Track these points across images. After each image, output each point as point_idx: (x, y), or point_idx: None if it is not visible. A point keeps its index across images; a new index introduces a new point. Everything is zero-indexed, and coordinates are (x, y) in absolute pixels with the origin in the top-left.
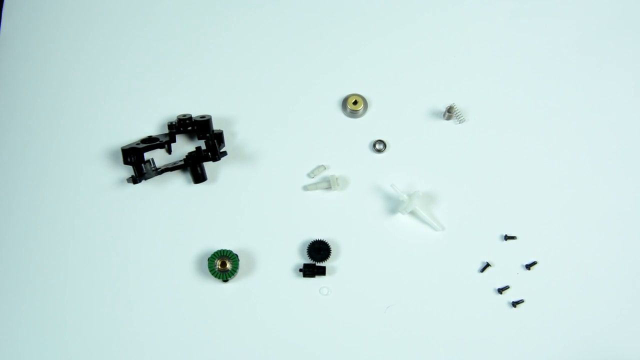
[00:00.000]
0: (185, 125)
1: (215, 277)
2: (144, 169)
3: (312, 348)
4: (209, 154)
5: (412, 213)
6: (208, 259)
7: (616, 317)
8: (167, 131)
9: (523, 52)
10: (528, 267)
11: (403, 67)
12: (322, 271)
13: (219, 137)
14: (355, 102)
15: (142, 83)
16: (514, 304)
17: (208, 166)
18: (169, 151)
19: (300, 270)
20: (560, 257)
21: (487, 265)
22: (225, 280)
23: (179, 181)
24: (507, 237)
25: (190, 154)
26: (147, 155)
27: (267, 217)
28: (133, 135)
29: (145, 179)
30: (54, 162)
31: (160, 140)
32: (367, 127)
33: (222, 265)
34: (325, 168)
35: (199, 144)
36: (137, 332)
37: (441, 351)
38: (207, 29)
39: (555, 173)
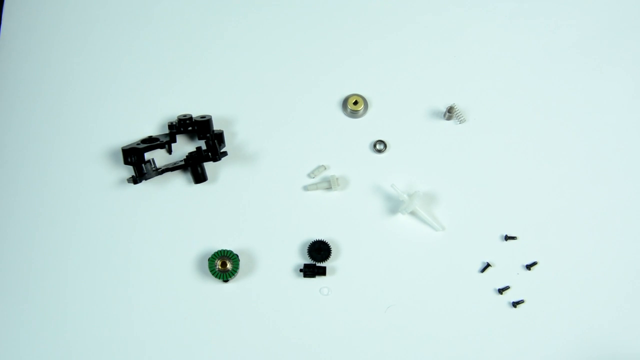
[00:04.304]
0: (186, 126)
1: (216, 277)
2: (145, 169)
3: (313, 348)
4: (210, 154)
5: (413, 213)
6: (208, 259)
7: (616, 317)
8: (167, 131)
9: (523, 52)
10: (528, 267)
11: (403, 67)
12: (322, 271)
13: (219, 137)
14: (355, 102)
15: (142, 83)
16: (515, 304)
17: (208, 166)
18: (170, 151)
19: (301, 270)
20: (560, 257)
21: (488, 265)
22: (226, 281)
23: (179, 181)
24: (507, 237)
25: (190, 154)
26: (148, 156)
27: (268, 217)
28: (133, 135)
29: (146, 179)
30: (54, 162)
31: (161, 140)
32: (368, 127)
33: (223, 265)
34: (325, 168)
35: (199, 144)
36: (137, 332)
37: (441, 351)
38: (207, 29)
39: (556, 173)
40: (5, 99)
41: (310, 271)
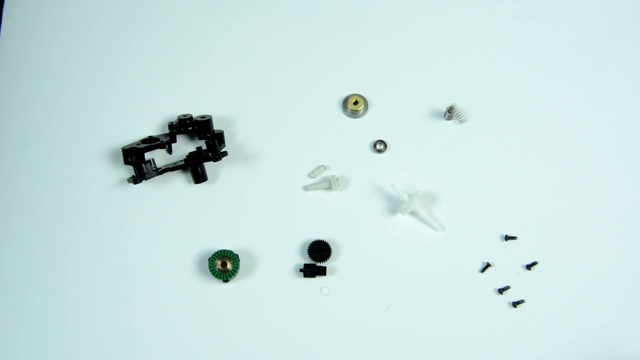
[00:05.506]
0: (186, 126)
1: (216, 277)
2: (145, 169)
3: (313, 348)
4: (210, 154)
5: (413, 213)
6: (208, 259)
7: (616, 317)
8: (167, 131)
9: (523, 52)
10: (528, 267)
11: (403, 67)
12: (322, 271)
13: (219, 137)
14: (355, 102)
15: (142, 83)
16: (515, 304)
17: (208, 166)
18: (170, 151)
19: (301, 270)
20: (560, 257)
21: (488, 265)
22: (226, 281)
23: (179, 181)
24: (507, 237)
25: (190, 154)
26: (148, 156)
27: (268, 217)
28: (133, 135)
29: (146, 179)
30: (55, 162)
31: (161, 140)
32: (368, 127)
33: (223, 265)
34: (325, 168)
35: (199, 144)
36: (137, 332)
37: (441, 351)
38: (207, 29)
39: (556, 173)
40: (5, 99)
41: (310, 271)
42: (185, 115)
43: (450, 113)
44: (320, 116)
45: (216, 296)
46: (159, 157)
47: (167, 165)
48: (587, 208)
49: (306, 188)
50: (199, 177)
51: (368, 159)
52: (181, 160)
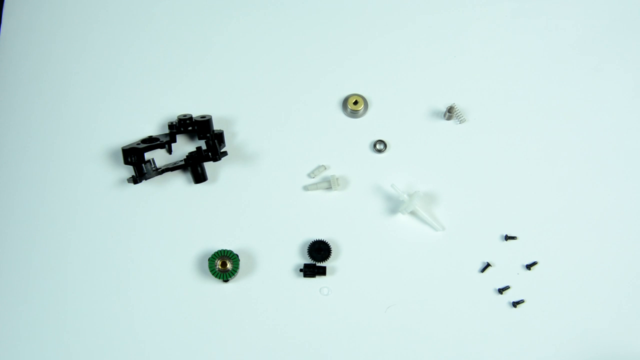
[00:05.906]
0: (186, 125)
1: (216, 277)
2: (145, 169)
3: (313, 348)
4: (210, 154)
5: (413, 213)
6: (208, 259)
7: (616, 317)
8: (167, 131)
9: (523, 52)
10: (528, 267)
11: (403, 67)
12: (322, 271)
13: (219, 137)
14: (355, 102)
15: (142, 83)
16: (515, 304)
17: (208, 166)
18: (170, 151)
19: (301, 270)
20: (560, 257)
21: (488, 265)
22: (226, 280)
23: (179, 181)
24: (507, 237)
25: (190, 154)
26: (148, 155)
27: (268, 217)
28: (133, 135)
29: (146, 179)
30: (54, 162)
31: (161, 140)
32: (368, 127)
33: (223, 265)
34: (325, 168)
35: (199, 144)
36: (137, 332)
37: (441, 351)
38: (207, 29)
39: (556, 173)
40: (5, 99)
41: (310, 271)
42: (185, 115)
43: (450, 113)
44: (320, 116)
45: (216, 296)
46: (159, 157)
47: (167, 165)
48: (587, 208)
49: (306, 188)
50: (199, 177)
51: (368, 159)
52: (181, 160)
